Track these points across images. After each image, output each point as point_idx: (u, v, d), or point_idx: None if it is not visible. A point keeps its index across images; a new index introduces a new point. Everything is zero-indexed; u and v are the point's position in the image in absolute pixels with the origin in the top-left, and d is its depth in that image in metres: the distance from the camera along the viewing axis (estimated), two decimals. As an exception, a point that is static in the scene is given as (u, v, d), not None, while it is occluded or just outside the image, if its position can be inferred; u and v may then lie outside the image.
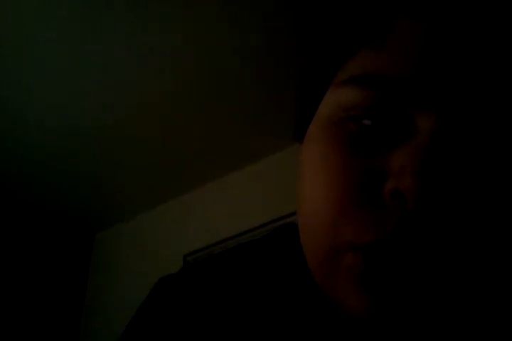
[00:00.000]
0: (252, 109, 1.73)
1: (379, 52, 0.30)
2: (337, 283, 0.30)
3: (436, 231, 0.27)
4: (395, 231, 0.27)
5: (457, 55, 0.28)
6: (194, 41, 1.49)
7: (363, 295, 0.28)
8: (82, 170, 1.96)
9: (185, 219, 2.05)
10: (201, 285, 0.39)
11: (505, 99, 0.28)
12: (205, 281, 0.39)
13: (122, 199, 2.13)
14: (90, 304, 2.16)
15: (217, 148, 1.88)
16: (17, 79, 1.59)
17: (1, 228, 1.96)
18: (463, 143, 0.28)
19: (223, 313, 0.36)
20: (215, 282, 0.39)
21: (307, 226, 0.33)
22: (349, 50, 0.32)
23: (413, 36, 0.29)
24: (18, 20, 1.40)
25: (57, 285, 2.10)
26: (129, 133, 1.81)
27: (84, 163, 1.92)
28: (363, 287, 0.28)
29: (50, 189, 2.05)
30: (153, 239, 2.09)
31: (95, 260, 2.29)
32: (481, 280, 0.30)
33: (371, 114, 0.30)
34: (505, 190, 0.28)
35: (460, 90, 0.28)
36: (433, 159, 0.27)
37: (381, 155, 0.29)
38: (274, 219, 1.70)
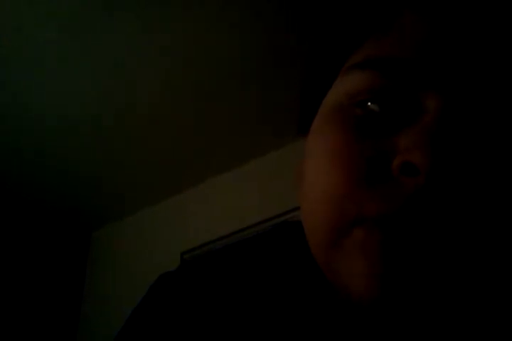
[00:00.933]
0: (250, 109, 1.73)
1: (384, 39, 0.31)
2: (345, 258, 0.29)
3: (449, 205, 0.27)
4: (408, 204, 0.27)
5: (462, 40, 0.29)
6: (194, 41, 1.50)
7: (375, 265, 0.28)
8: (79, 169, 1.96)
9: (182, 217, 2.05)
10: (200, 282, 0.39)
11: (508, 82, 0.28)
12: (204, 278, 0.39)
13: (119, 197, 2.13)
14: (88, 302, 2.16)
15: (214, 147, 1.89)
16: (16, 79, 1.58)
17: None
18: (470, 121, 0.28)
19: (222, 310, 0.36)
20: (214, 279, 0.39)
21: (313, 210, 0.32)
22: (354, 41, 0.33)
23: (419, 24, 0.30)
24: (17, 20, 1.40)
25: (55, 284, 2.10)
26: (127, 133, 1.81)
27: (82, 161, 1.92)
28: (375, 256, 0.28)
29: (47, 188, 2.05)
30: (150, 237, 2.09)
31: (92, 258, 2.29)
32: (494, 260, 0.29)
33: (377, 97, 0.30)
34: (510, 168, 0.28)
35: (466, 70, 0.28)
36: (443, 135, 0.27)
37: (389, 136, 0.29)
38: (271, 217, 1.71)
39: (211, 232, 1.84)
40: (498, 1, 0.29)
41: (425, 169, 0.27)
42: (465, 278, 0.29)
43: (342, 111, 0.32)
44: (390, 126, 0.30)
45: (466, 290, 0.30)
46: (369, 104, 0.30)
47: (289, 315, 0.35)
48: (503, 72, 0.28)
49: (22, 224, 2.07)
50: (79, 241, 2.28)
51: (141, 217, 2.21)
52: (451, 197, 0.27)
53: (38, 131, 1.77)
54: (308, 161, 0.34)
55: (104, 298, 2.09)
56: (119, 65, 1.56)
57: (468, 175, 0.28)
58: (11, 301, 1.91)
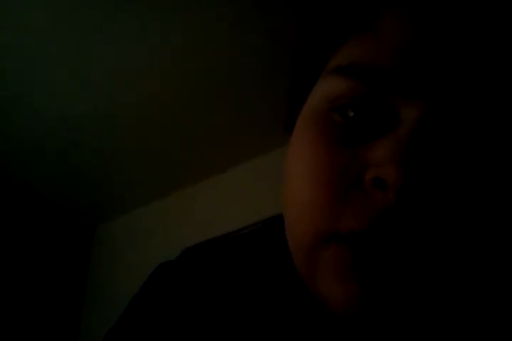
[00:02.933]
0: (251, 107, 1.74)
1: (366, 42, 0.30)
2: (320, 275, 0.30)
3: (419, 221, 0.27)
4: (377, 221, 0.27)
5: (443, 46, 0.28)
6: (194, 41, 1.50)
7: (348, 286, 0.28)
8: (83, 163, 1.97)
9: (186, 212, 2.06)
10: (195, 275, 0.39)
11: (491, 91, 0.28)
12: (199, 272, 0.40)
13: (124, 191, 2.15)
14: (91, 296, 2.18)
15: (219, 143, 1.90)
16: (18, 78, 1.60)
17: (1, 220, 1.98)
18: (446, 134, 0.28)
19: (212, 305, 0.37)
20: (208, 273, 0.39)
21: (291, 217, 0.32)
22: (337, 40, 0.32)
23: (399, 26, 0.29)
24: (17, 19, 1.42)
25: (58, 277, 2.12)
26: (130, 125, 1.82)
27: (87, 156, 1.94)
28: (348, 277, 0.28)
29: (53, 182, 2.06)
30: (154, 232, 2.11)
31: (96, 252, 2.31)
32: (467, 269, 0.29)
33: (356, 104, 0.29)
34: (487, 182, 0.28)
35: (445, 81, 0.27)
36: (415, 149, 0.27)
37: (365, 146, 0.29)
38: (273, 216, 1.70)
39: (216, 228, 1.85)
40: (476, 10, 0.28)
41: (394, 185, 0.26)
42: (438, 290, 0.29)
43: (322, 116, 0.31)
44: (366, 136, 0.29)
45: (440, 302, 0.30)
46: (348, 111, 0.30)
47: (270, 315, 0.35)
48: (483, 86, 0.27)
49: (27, 217, 2.09)
50: (83, 235, 2.30)
51: (146, 211, 2.23)
52: (421, 214, 0.27)
53: (38, 123, 1.78)
54: (291, 161, 0.33)
55: (107, 291, 2.11)
56: (119, 64, 1.57)
57: (440, 192, 0.27)
58: (15, 294, 1.93)
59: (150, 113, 1.76)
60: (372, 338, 0.31)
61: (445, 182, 0.28)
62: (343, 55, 0.31)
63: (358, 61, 0.29)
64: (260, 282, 0.37)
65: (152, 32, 1.47)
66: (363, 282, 0.28)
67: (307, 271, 0.31)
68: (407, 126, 0.28)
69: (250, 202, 1.87)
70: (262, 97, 1.68)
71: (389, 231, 0.27)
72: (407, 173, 0.26)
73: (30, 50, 1.52)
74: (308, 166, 0.31)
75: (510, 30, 0.28)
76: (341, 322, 0.31)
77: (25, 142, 1.87)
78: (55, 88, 1.65)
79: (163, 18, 1.43)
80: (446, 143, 0.28)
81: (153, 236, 2.09)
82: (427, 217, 0.27)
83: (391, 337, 0.31)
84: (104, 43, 1.50)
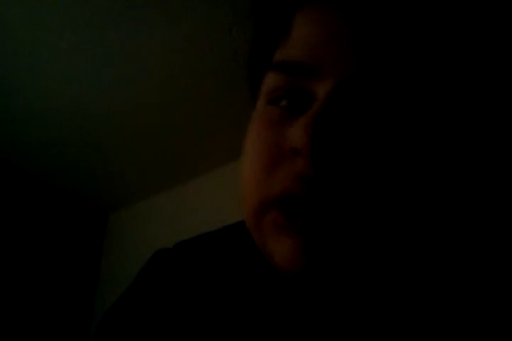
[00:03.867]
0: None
1: (287, 44, 0.35)
2: (267, 237, 0.34)
3: (336, 176, 0.31)
4: (299, 182, 0.31)
5: (336, 35, 0.33)
6: (194, 42, 1.49)
7: (290, 241, 0.32)
8: (96, 153, 1.98)
9: (199, 202, 2.06)
10: (186, 264, 0.43)
11: (398, 57, 0.32)
12: (189, 262, 0.44)
13: (137, 180, 2.15)
14: (104, 285, 2.20)
15: (234, 132, 1.88)
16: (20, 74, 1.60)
17: (13, 209, 1.99)
18: (351, 107, 0.32)
19: (199, 292, 0.40)
20: (196, 263, 0.43)
21: (240, 191, 0.37)
22: (270, 46, 0.37)
23: (306, 24, 0.34)
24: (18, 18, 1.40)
25: (71, 266, 2.14)
26: (143, 117, 1.81)
27: (101, 146, 1.94)
28: (288, 233, 0.32)
29: (64, 171, 2.07)
30: (166, 221, 2.11)
31: (108, 241, 2.32)
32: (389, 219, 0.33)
33: (287, 94, 0.35)
34: (394, 135, 0.32)
35: (347, 66, 0.32)
36: (322, 117, 0.31)
37: (289, 125, 0.34)
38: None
39: (229, 217, 1.83)
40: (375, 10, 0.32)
41: (304, 150, 0.30)
42: (374, 241, 0.32)
43: (263, 110, 0.37)
44: (293, 118, 0.34)
45: (379, 255, 0.33)
46: (281, 101, 0.35)
47: (236, 294, 0.39)
48: (391, 58, 0.32)
49: (41, 208, 2.10)
50: (96, 224, 2.32)
51: (158, 200, 2.23)
52: (334, 173, 0.31)
53: (52, 120, 1.80)
54: (243, 149, 0.38)
55: (120, 280, 2.11)
56: (119, 65, 1.58)
57: (347, 152, 0.31)
58: (28, 283, 1.95)
59: (154, 110, 1.76)
60: (324, 297, 0.34)
61: (354, 143, 0.31)
62: (275, 57, 0.37)
63: (281, 58, 0.36)
64: (235, 268, 0.42)
65: (150, 32, 1.46)
66: (301, 234, 0.31)
67: (257, 235, 0.35)
68: (317, 102, 0.32)
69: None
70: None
71: (311, 190, 0.31)
72: (314, 137, 0.30)
73: (30, 47, 1.51)
74: (250, 149, 0.36)
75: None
76: (293, 287, 0.35)
77: (36, 134, 1.87)
78: (71, 82, 1.65)
79: (158, 19, 1.42)
80: (351, 113, 0.32)
81: (165, 226, 2.10)
82: (342, 173, 0.31)
83: (342, 295, 0.34)
84: (104, 41, 1.50)
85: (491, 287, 0.34)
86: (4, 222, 1.93)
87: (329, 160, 0.30)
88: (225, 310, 0.38)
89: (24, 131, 1.87)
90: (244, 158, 0.37)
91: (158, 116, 1.82)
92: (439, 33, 0.33)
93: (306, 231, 0.31)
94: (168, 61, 1.58)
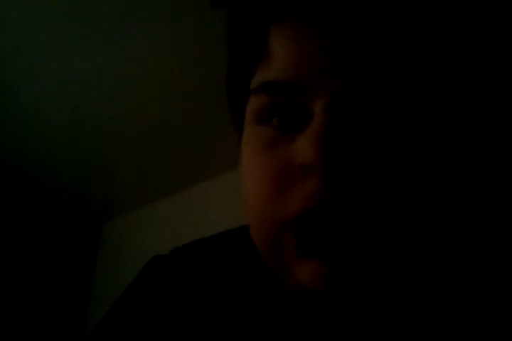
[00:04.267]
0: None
1: (267, 64, 0.34)
2: (284, 261, 0.32)
3: (352, 194, 0.30)
4: (314, 202, 0.30)
5: (319, 52, 0.32)
6: (196, 44, 1.51)
7: (312, 266, 0.30)
8: (91, 162, 1.98)
9: (193, 211, 2.06)
10: (184, 270, 0.42)
11: (393, 70, 0.31)
12: (187, 267, 0.43)
13: (132, 189, 2.15)
14: (97, 294, 2.19)
15: (228, 141, 1.87)
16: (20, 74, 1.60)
17: (8, 217, 1.98)
18: (354, 116, 0.31)
19: (197, 298, 0.39)
20: (195, 269, 0.42)
21: (248, 216, 0.36)
22: (246, 67, 0.37)
23: (281, 41, 0.33)
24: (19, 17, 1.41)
25: (65, 275, 2.13)
26: (138, 126, 1.81)
27: (95, 154, 1.94)
28: (308, 259, 0.31)
29: (59, 180, 2.07)
30: (160, 230, 2.11)
31: (103, 250, 2.31)
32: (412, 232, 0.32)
33: (277, 113, 0.34)
34: (406, 147, 0.31)
35: (340, 76, 0.31)
36: (328, 132, 0.30)
37: (291, 143, 0.33)
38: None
39: (222, 227, 1.83)
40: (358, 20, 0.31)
41: (316, 167, 0.29)
42: (396, 260, 0.31)
43: (255, 128, 0.35)
44: (291, 135, 0.33)
45: (400, 276, 0.33)
46: (272, 120, 0.34)
47: (234, 302, 0.38)
48: (385, 71, 0.31)
49: (35, 216, 2.09)
50: (90, 233, 2.31)
51: (153, 210, 2.23)
52: (351, 187, 0.30)
53: (47, 127, 1.80)
54: (242, 170, 0.37)
55: (113, 289, 2.09)
56: (119, 70, 1.58)
57: (360, 165, 0.30)
58: (21, 291, 1.93)
59: (153, 113, 1.76)
60: (344, 315, 0.33)
61: (367, 154, 0.30)
62: (255, 79, 0.36)
63: (266, 79, 0.34)
64: (232, 275, 0.41)
65: (152, 32, 1.47)
66: (322, 259, 0.30)
67: (272, 259, 0.34)
68: (317, 115, 0.31)
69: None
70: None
71: (327, 209, 0.29)
72: (326, 153, 0.29)
73: (31, 49, 1.52)
74: (252, 173, 0.35)
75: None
76: (313, 304, 0.34)
77: (31, 142, 1.87)
78: (68, 87, 1.65)
79: (163, 18, 1.43)
80: (356, 122, 0.31)
81: (159, 235, 2.09)
82: (358, 189, 0.30)
83: (362, 313, 0.33)
84: (104, 43, 1.50)
85: (491, 289, 0.34)
86: (-2, 230, 1.92)
87: (343, 176, 0.30)
88: (222, 319, 0.38)
89: (18, 139, 1.86)
90: (247, 183, 0.35)
91: (156, 125, 1.82)
92: (419, 35, 0.33)
93: (328, 255, 0.30)
94: (171, 64, 1.58)
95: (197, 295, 0.40)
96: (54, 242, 2.13)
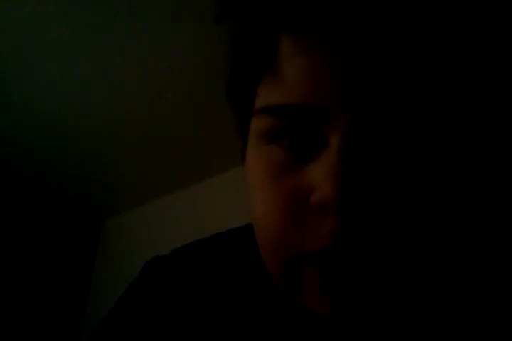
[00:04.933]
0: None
1: (274, 80, 0.31)
2: (302, 292, 0.32)
3: (368, 232, 0.29)
4: (333, 241, 0.29)
5: (341, 71, 0.29)
6: (197, 45, 1.50)
7: (327, 299, 0.30)
8: (93, 159, 1.97)
9: (193, 209, 2.05)
10: (183, 272, 0.42)
11: (408, 105, 0.29)
12: (187, 270, 0.42)
13: (132, 187, 2.14)
14: (96, 291, 2.18)
15: (230, 140, 1.88)
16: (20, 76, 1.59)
17: (8, 213, 1.97)
18: (372, 148, 0.30)
19: (197, 303, 0.39)
20: (196, 270, 0.42)
21: (259, 238, 0.35)
22: (249, 82, 0.34)
23: (294, 58, 0.30)
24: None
25: (64, 272, 2.12)
26: (139, 123, 1.81)
27: (96, 151, 1.93)
28: (326, 294, 0.30)
29: (60, 176, 2.06)
30: (160, 228, 2.10)
31: (103, 246, 2.31)
32: (424, 268, 0.32)
33: (286, 135, 0.31)
34: (425, 183, 0.30)
35: (357, 101, 0.29)
36: (345, 168, 0.28)
37: (305, 170, 0.31)
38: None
39: (223, 225, 1.82)
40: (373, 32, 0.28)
41: (334, 208, 0.28)
42: (402, 290, 0.31)
43: (262, 149, 0.33)
44: (303, 160, 0.31)
45: (406, 302, 0.32)
46: (282, 140, 0.32)
47: (235, 305, 0.38)
48: (399, 102, 0.29)
49: (36, 212, 2.09)
50: (90, 229, 2.30)
51: (153, 207, 2.22)
52: (369, 225, 0.29)
53: (50, 123, 1.79)
54: (250, 192, 0.35)
55: (112, 286, 2.09)
56: (119, 70, 1.58)
57: (378, 204, 0.29)
58: (20, 287, 1.92)
59: (155, 111, 1.75)
60: (351, 338, 0.33)
61: (385, 192, 0.29)
62: (260, 95, 0.33)
63: (272, 102, 0.31)
64: (233, 277, 0.40)
65: (153, 32, 1.46)
66: (337, 295, 0.30)
67: (287, 287, 0.33)
68: (333, 146, 0.29)
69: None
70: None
71: (345, 247, 0.29)
72: (344, 191, 0.28)
73: (32, 49, 1.52)
74: (262, 198, 0.33)
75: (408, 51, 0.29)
76: (321, 326, 0.34)
77: (33, 138, 1.86)
78: (71, 86, 1.65)
79: (173, 18, 1.42)
80: (375, 156, 0.30)
81: (159, 232, 2.08)
82: (376, 228, 0.29)
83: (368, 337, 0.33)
84: (104, 43, 1.50)
85: (493, 293, 0.34)
86: (-2, 226, 1.91)
87: (362, 217, 0.29)
88: (221, 323, 0.37)
89: (21, 133, 1.85)
90: (257, 207, 0.34)
91: (156, 121, 1.81)
92: (439, 56, 0.30)
93: (346, 291, 0.30)
94: (170, 64, 1.57)
95: (196, 298, 0.39)
96: (54, 239, 2.12)
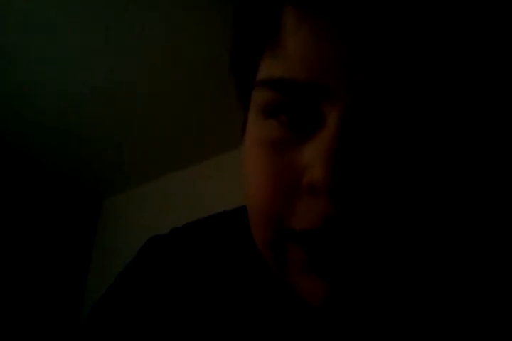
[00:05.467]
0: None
1: (278, 53, 0.30)
2: (287, 270, 0.32)
3: (361, 217, 0.28)
4: (323, 222, 0.29)
5: (348, 51, 0.28)
6: (192, 30, 1.50)
7: (315, 282, 0.30)
8: (92, 138, 1.97)
9: (194, 189, 2.05)
10: (182, 253, 0.42)
11: (410, 88, 0.28)
12: (186, 249, 0.42)
13: (132, 166, 2.14)
14: (95, 271, 2.19)
15: (227, 121, 1.86)
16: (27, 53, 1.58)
17: (5, 191, 1.98)
18: (370, 131, 0.29)
19: (193, 286, 0.39)
20: (193, 253, 0.41)
21: (250, 216, 0.34)
22: (253, 52, 0.33)
23: (297, 32, 0.29)
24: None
25: (64, 251, 2.13)
26: (139, 103, 1.80)
27: (95, 131, 1.93)
28: (313, 275, 0.30)
29: (60, 156, 2.07)
30: (159, 208, 2.10)
31: (102, 226, 2.32)
32: (413, 253, 0.31)
33: (285, 110, 0.31)
34: (419, 172, 0.29)
35: (359, 82, 0.28)
36: (340, 148, 0.28)
37: (299, 149, 0.30)
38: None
39: (220, 206, 1.83)
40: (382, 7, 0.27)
41: (324, 189, 0.27)
42: (393, 277, 0.31)
43: (260, 122, 0.32)
44: (300, 136, 0.30)
45: (398, 291, 0.32)
46: (281, 115, 0.31)
47: (244, 304, 0.37)
48: (402, 84, 0.28)
49: (35, 191, 2.09)
50: (90, 209, 2.31)
51: (152, 187, 2.22)
52: (361, 210, 0.28)
53: (48, 96, 1.78)
54: (244, 171, 0.35)
55: (111, 267, 2.10)
56: (115, 51, 1.57)
57: (375, 186, 0.28)
58: (19, 267, 1.94)
59: (156, 91, 1.74)
60: (345, 326, 0.33)
61: (379, 176, 0.29)
62: (262, 67, 0.32)
63: (274, 75, 0.31)
64: (233, 258, 0.40)
65: (153, 28, 1.47)
66: (325, 278, 0.30)
67: (274, 266, 0.33)
68: (330, 126, 0.29)
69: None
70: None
71: (336, 230, 0.28)
72: (335, 174, 0.27)
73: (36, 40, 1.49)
74: (255, 170, 0.33)
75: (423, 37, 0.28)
76: (313, 311, 0.33)
77: (32, 118, 1.86)
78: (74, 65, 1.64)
79: (164, 17, 1.42)
80: (372, 139, 0.29)
81: (158, 212, 2.09)
82: (368, 212, 0.29)
83: (362, 326, 0.33)
84: (104, 38, 1.51)
85: (493, 293, 0.33)
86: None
87: (352, 201, 0.28)
88: (221, 306, 0.37)
89: (23, 114, 1.85)
90: (250, 179, 0.34)
91: (155, 103, 1.81)
92: (449, 44, 0.28)
93: (333, 275, 0.30)
94: (170, 42, 1.56)
95: (194, 282, 0.39)
96: (54, 218, 2.13)
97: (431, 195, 0.31)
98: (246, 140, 0.35)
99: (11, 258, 1.92)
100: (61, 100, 1.79)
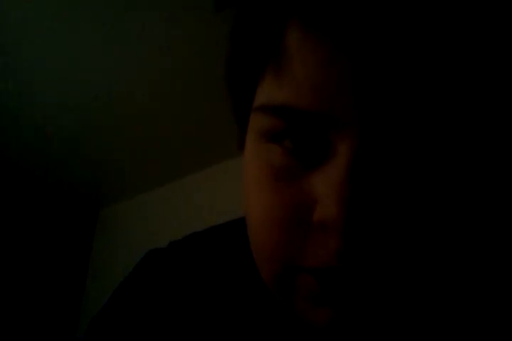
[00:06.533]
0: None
1: (280, 76, 0.28)
2: (295, 301, 0.30)
3: (372, 252, 0.27)
4: (339, 259, 0.27)
5: (358, 76, 0.26)
6: (199, 34, 1.50)
7: (324, 311, 0.29)
8: (89, 149, 1.96)
9: (188, 200, 2.05)
10: (180, 266, 0.41)
11: (420, 117, 0.26)
12: (184, 264, 0.41)
13: (128, 176, 2.13)
14: (92, 280, 2.18)
15: (225, 131, 1.87)
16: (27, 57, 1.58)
17: (6, 204, 1.96)
18: (383, 162, 0.27)
19: (192, 298, 0.38)
20: (193, 264, 0.41)
21: (255, 250, 0.33)
22: (252, 73, 0.31)
23: (304, 55, 0.27)
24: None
25: (61, 261, 2.12)
26: (136, 113, 1.79)
27: (93, 142, 1.92)
28: (322, 305, 0.29)
29: (56, 166, 2.05)
30: (156, 218, 2.10)
31: (99, 236, 2.30)
32: (425, 285, 0.31)
33: (290, 136, 0.29)
34: (432, 203, 0.28)
35: (371, 111, 0.26)
36: (353, 185, 0.26)
37: (305, 179, 0.28)
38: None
39: (218, 216, 1.82)
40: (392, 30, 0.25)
41: (338, 229, 0.26)
42: (400, 303, 0.30)
43: (262, 146, 0.30)
44: (307, 166, 0.28)
45: (404, 314, 0.32)
46: (284, 140, 0.29)
47: (232, 300, 0.37)
48: (411, 112, 0.26)
49: (32, 202, 2.08)
50: (86, 219, 2.30)
51: (149, 197, 2.21)
52: (373, 247, 0.27)
53: (43, 114, 1.78)
54: (245, 188, 0.33)
55: (108, 276, 2.10)
56: (119, 63, 1.57)
57: (385, 224, 0.27)
58: (17, 278, 1.92)
59: (156, 100, 1.74)
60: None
61: (392, 212, 0.27)
62: (262, 90, 0.30)
63: (276, 100, 0.28)
64: (232, 271, 0.39)
65: (152, 31, 1.46)
66: (334, 309, 0.29)
67: (278, 291, 0.32)
68: (342, 158, 0.27)
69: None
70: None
71: (349, 266, 0.28)
72: (350, 212, 0.26)
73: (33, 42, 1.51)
74: (259, 203, 0.30)
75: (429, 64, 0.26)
76: (315, 332, 0.32)
77: (28, 128, 1.85)
78: (56, 77, 1.64)
79: (163, 18, 1.42)
80: (384, 172, 0.27)
81: (155, 223, 2.08)
82: (381, 248, 0.27)
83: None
84: (104, 38, 1.50)
85: (493, 296, 0.34)
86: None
87: (365, 239, 0.27)
88: (220, 321, 0.36)
89: (16, 125, 1.84)
90: (251, 210, 0.32)
91: (153, 113, 1.80)
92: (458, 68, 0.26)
93: (345, 307, 0.29)
94: (171, 51, 1.56)
95: (193, 295, 0.38)
96: (51, 228, 2.12)
97: (446, 232, 0.29)
98: (246, 161, 0.33)
99: (9, 268, 1.90)
100: (54, 107, 1.78)
